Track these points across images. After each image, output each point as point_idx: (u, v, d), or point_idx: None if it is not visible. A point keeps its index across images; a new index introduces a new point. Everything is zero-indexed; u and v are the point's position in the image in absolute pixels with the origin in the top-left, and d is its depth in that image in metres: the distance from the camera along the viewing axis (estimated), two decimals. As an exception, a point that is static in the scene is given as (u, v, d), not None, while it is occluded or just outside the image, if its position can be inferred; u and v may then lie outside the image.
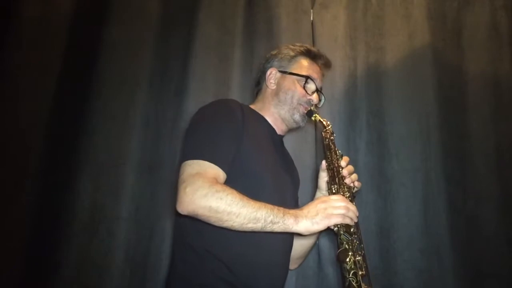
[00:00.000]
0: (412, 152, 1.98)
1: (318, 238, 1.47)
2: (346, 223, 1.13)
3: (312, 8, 2.20)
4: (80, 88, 2.05)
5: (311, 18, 2.18)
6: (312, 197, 1.43)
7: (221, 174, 1.14)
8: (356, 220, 1.16)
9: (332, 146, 1.38)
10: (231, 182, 1.14)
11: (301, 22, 2.17)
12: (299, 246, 1.44)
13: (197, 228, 1.17)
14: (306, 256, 1.53)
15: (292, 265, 1.51)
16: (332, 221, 1.11)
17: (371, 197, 1.94)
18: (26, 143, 1.94)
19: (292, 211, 1.12)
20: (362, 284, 1.08)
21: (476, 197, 1.93)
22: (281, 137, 1.50)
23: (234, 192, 1.09)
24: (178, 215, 1.19)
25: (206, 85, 2.05)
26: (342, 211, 1.12)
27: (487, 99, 2.03)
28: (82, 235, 1.86)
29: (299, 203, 1.44)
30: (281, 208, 1.12)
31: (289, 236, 1.34)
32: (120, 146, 1.99)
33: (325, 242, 1.90)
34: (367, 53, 2.13)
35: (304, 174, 1.83)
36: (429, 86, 2.04)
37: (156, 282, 1.81)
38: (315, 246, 1.91)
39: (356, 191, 1.34)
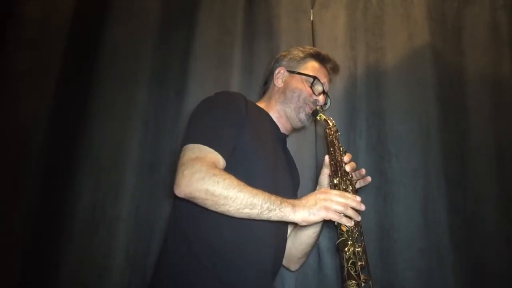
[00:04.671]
0: (412, 152, 1.97)
1: (319, 236, 1.47)
2: (343, 223, 1.11)
3: (312, 8, 2.19)
4: (80, 88, 2.05)
5: (311, 18, 2.18)
6: None
7: (220, 161, 1.14)
8: (358, 219, 1.13)
9: (336, 143, 1.38)
10: (229, 170, 1.14)
11: (301, 22, 2.17)
12: (299, 245, 1.43)
13: (193, 214, 1.16)
14: (308, 255, 1.52)
15: (294, 266, 1.51)
16: (329, 215, 1.09)
17: (371, 197, 1.94)
18: (26, 143, 1.94)
19: (290, 200, 1.12)
20: (361, 275, 1.06)
21: (476, 197, 1.93)
22: (284, 135, 1.50)
23: (232, 177, 1.09)
24: (176, 199, 1.19)
25: (206, 85, 2.04)
26: (341, 208, 1.10)
27: (487, 99, 2.03)
28: (82, 235, 1.86)
29: None
30: (279, 197, 1.12)
31: (283, 231, 1.33)
32: (120, 146, 1.98)
33: (325, 243, 1.90)
34: (367, 53, 2.13)
35: (304, 174, 1.83)
36: (429, 86, 2.04)
37: (156, 282, 1.80)
38: (316, 246, 1.91)
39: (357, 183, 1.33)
